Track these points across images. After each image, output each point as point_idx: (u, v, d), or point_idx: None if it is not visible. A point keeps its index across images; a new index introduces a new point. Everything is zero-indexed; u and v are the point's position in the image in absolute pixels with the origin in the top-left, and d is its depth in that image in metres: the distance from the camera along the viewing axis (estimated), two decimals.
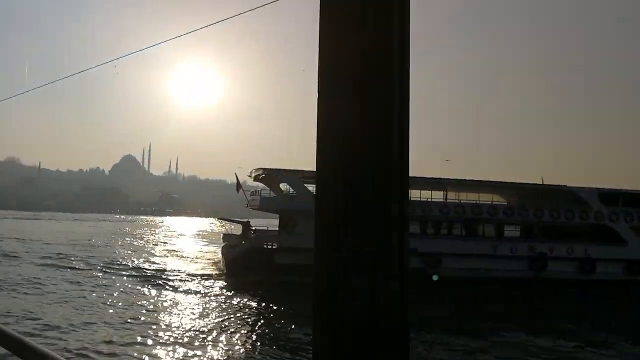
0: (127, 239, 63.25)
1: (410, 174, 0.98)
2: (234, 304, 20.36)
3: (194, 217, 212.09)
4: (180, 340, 14.55)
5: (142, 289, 22.41)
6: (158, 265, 31.64)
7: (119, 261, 33.40)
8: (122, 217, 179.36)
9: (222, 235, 33.46)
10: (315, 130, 1.01)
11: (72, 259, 33.44)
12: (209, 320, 17.32)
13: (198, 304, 20.03)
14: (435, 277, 26.08)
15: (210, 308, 19.52)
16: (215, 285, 24.65)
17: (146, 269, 28.96)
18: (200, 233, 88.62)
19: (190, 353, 13.58)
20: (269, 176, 31.31)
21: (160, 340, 14.35)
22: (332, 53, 0.98)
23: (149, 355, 13.10)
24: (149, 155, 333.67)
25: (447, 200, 31.18)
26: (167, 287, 23.17)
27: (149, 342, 14.17)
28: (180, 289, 22.76)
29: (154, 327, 15.84)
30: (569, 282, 28.46)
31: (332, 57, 0.98)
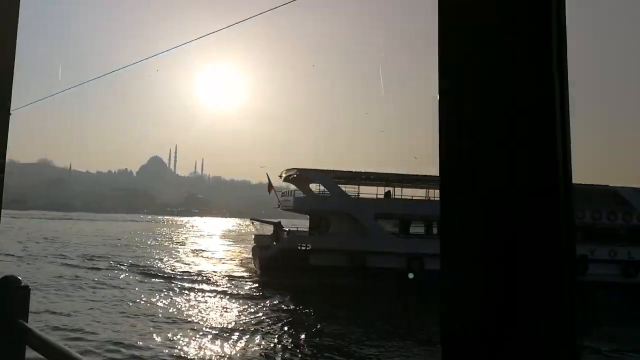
0: (157, 239, 64.03)
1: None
2: (272, 306, 20.09)
3: (219, 218, 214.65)
4: (223, 342, 14.43)
5: (180, 291, 22.34)
6: (191, 266, 31.68)
7: (153, 262, 33.62)
8: (150, 217, 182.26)
9: (253, 235, 33.29)
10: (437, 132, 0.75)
11: (109, 260, 33.85)
12: (249, 322, 17.08)
13: (237, 306, 19.84)
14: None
15: (249, 310, 19.29)
16: (250, 286, 24.45)
17: (181, 271, 28.94)
18: (227, 233, 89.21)
19: (234, 353, 13.47)
20: (301, 176, 31.05)
21: (205, 342, 14.26)
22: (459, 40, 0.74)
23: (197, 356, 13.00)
24: (175, 156, 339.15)
25: None
26: (205, 289, 23.02)
27: (198, 343, 14.09)
28: (217, 291, 22.60)
29: (200, 329, 15.75)
30: (611, 285, 27.36)
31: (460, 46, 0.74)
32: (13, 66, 1.99)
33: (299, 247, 25.94)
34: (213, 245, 56.19)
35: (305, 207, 28.96)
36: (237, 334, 15.47)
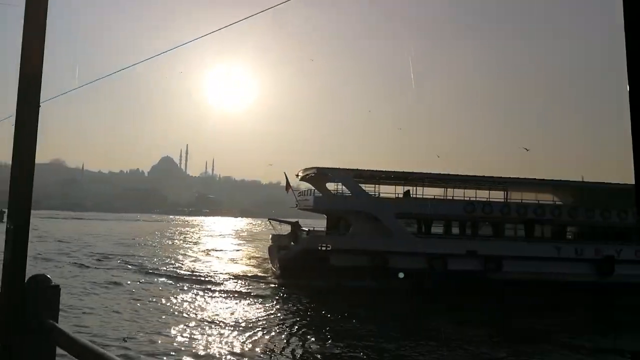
0: (172, 239, 63.97)
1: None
2: (294, 308, 19.71)
3: (230, 217, 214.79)
4: (245, 341, 14.17)
5: (202, 292, 21.98)
6: (209, 267, 31.33)
7: (171, 262, 33.35)
8: (162, 217, 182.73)
9: (270, 235, 32.92)
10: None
11: (129, 259, 33.67)
12: (271, 323, 16.69)
13: (259, 307, 19.45)
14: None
15: (271, 311, 18.92)
16: (270, 287, 24.07)
17: (200, 271, 28.54)
18: (239, 233, 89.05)
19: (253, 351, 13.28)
20: (319, 175, 30.61)
21: (228, 341, 13.99)
22: None
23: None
24: (186, 156, 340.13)
25: (509, 200, 29.68)
26: (225, 289, 22.66)
27: (221, 342, 13.81)
28: (238, 292, 22.23)
29: (224, 328, 15.44)
30: (638, 287, 26.57)
31: None
32: (42, 61, 1.96)
33: (320, 248, 25.45)
34: (227, 245, 56.01)
35: (326, 206, 28.51)
36: (259, 333, 15.34)
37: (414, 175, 28.87)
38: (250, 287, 24.07)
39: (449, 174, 28.97)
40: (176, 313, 17.62)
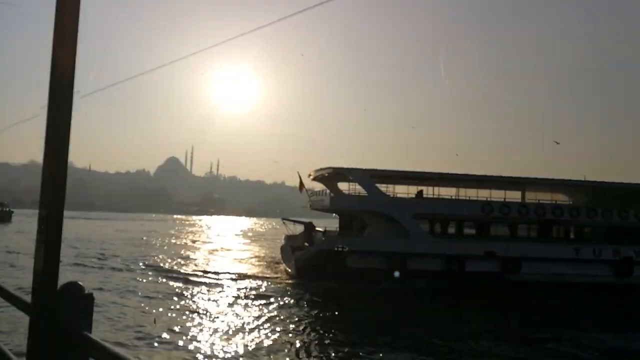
0: (180, 239, 63.89)
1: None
2: (312, 310, 19.45)
3: (235, 217, 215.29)
4: (264, 342, 14.01)
5: (219, 293, 21.80)
6: (223, 268, 31.07)
7: (184, 263, 33.20)
8: (168, 216, 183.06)
9: (284, 236, 32.70)
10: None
11: (140, 260, 33.53)
12: (289, 325, 16.49)
13: (279, 309, 19.20)
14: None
15: (292, 313, 18.69)
16: (287, 288, 23.78)
17: (214, 272, 28.25)
18: (246, 233, 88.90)
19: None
20: (331, 175, 30.37)
21: (247, 342, 13.83)
22: None
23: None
24: (192, 157, 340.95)
25: (526, 201, 29.28)
26: (242, 291, 22.39)
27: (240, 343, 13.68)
28: (255, 293, 21.98)
29: (244, 329, 15.23)
30: None
31: None
32: (75, 60, 1.94)
33: (336, 249, 25.18)
34: (237, 245, 55.87)
35: (342, 206, 28.19)
36: (277, 334, 15.23)
37: (431, 175, 28.54)
38: (267, 288, 23.82)
39: (466, 174, 28.64)
40: (197, 313, 17.42)
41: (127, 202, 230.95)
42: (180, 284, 23.60)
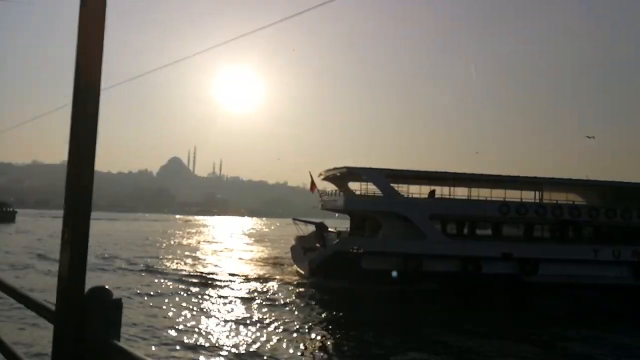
0: (187, 239, 63.47)
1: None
2: (329, 311, 18.99)
3: (238, 217, 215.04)
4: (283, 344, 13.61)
5: (233, 296, 21.28)
6: (234, 269, 30.49)
7: (194, 265, 32.68)
8: (171, 216, 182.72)
9: (295, 236, 32.14)
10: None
11: (154, 263, 33.04)
12: (307, 327, 16.06)
13: (294, 311, 18.74)
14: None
15: (308, 315, 18.23)
16: (301, 290, 23.24)
17: (225, 274, 27.70)
18: (251, 233, 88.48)
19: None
20: (343, 175, 29.84)
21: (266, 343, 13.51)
22: None
23: None
24: (194, 157, 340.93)
25: (543, 201, 28.70)
26: (258, 295, 21.81)
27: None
28: (270, 296, 21.48)
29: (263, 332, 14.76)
30: None
31: None
32: (101, 66, 1.91)
33: (352, 250, 24.63)
34: (243, 245, 55.49)
35: (357, 207, 27.54)
36: (293, 335, 15.01)
37: (446, 175, 27.97)
38: (282, 289, 23.34)
39: (482, 174, 28.09)
40: (217, 317, 16.97)
41: (130, 203, 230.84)
42: (195, 287, 23.07)
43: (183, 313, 17.40)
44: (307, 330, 16.05)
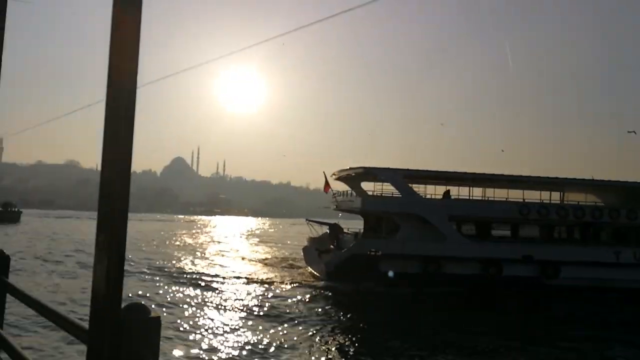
0: (194, 239, 63.03)
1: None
2: (349, 315, 18.48)
3: (241, 217, 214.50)
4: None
5: (254, 301, 20.69)
6: (247, 271, 29.98)
7: (206, 267, 32.13)
8: (175, 216, 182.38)
9: (308, 237, 31.62)
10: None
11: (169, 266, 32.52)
12: (328, 331, 15.55)
13: (313, 315, 18.21)
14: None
15: (328, 319, 17.69)
16: (318, 293, 22.68)
17: (241, 277, 27.05)
18: (256, 233, 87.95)
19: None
20: (356, 175, 29.35)
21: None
22: None
23: None
24: (198, 157, 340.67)
25: (565, 202, 28.09)
26: (272, 295, 21.37)
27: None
28: (288, 300, 20.92)
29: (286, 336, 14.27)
30: None
31: None
32: (137, 71, 1.79)
33: (370, 253, 24.07)
34: (251, 245, 54.96)
35: (375, 208, 26.92)
36: (316, 339, 14.61)
37: (465, 176, 27.41)
38: (296, 292, 22.77)
39: (502, 174, 27.49)
40: (241, 323, 16.43)
41: (133, 202, 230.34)
42: (209, 291, 22.47)
43: (200, 318, 16.88)
44: (331, 335, 15.60)
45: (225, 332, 15.23)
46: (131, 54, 1.81)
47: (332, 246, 28.55)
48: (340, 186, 32.04)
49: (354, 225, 33.13)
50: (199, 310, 18.09)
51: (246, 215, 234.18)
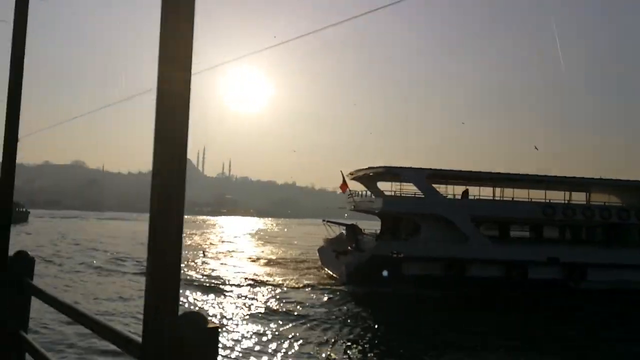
0: (205, 240, 62.61)
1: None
2: (373, 319, 17.90)
3: (247, 217, 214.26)
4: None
5: (274, 302, 20.19)
6: (263, 273, 29.43)
7: (218, 269, 31.61)
8: (185, 216, 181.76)
9: (324, 238, 31.01)
10: None
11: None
12: (362, 337, 14.98)
13: (336, 318, 17.64)
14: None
15: (352, 322, 17.10)
16: (339, 296, 22.08)
17: (252, 278, 26.50)
18: (263, 233, 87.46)
19: None
20: (373, 175, 28.73)
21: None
22: None
23: None
24: (203, 157, 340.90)
25: (591, 203, 27.36)
26: (298, 302, 20.68)
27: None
28: (307, 301, 20.39)
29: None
30: None
31: None
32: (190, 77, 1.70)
33: (391, 255, 23.43)
34: (261, 246, 54.42)
35: (397, 208, 26.22)
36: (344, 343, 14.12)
37: (488, 175, 26.76)
38: (317, 295, 22.21)
39: (527, 174, 26.80)
40: (255, 324, 15.87)
41: (140, 202, 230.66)
42: (226, 295, 21.94)
43: (225, 322, 16.33)
44: (359, 339, 15.00)
45: (248, 336, 14.68)
46: (185, 45, 1.65)
47: (349, 247, 27.93)
48: (353, 186, 31.44)
49: (367, 226, 32.53)
50: (220, 314, 17.54)
51: (252, 215, 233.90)
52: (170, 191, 1.61)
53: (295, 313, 18.19)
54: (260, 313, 18.13)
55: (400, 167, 25.81)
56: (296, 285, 24.41)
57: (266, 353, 13.16)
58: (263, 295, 21.64)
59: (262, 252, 45.73)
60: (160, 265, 1.56)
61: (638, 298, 23.14)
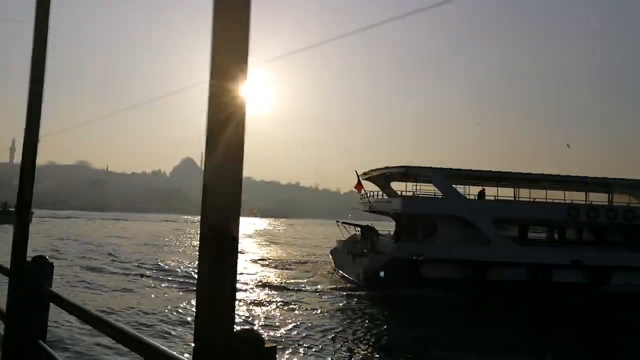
0: None
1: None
2: (398, 324, 17.32)
3: (251, 217, 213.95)
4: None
5: (294, 306, 19.63)
6: (278, 276, 28.89)
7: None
8: (186, 217, 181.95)
9: (338, 240, 30.41)
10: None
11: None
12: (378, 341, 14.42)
13: (357, 324, 17.08)
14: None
15: (376, 329, 16.54)
16: (358, 299, 21.47)
17: (264, 281, 25.93)
18: (269, 234, 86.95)
19: None
20: (387, 175, 28.13)
21: None
22: None
23: None
24: None
25: (613, 204, 26.66)
26: (321, 306, 20.14)
27: None
28: (326, 304, 19.81)
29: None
30: None
31: None
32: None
33: (411, 258, 22.82)
34: (270, 247, 53.91)
35: (416, 209, 25.57)
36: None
37: (511, 175, 26.11)
38: (336, 298, 21.62)
39: (550, 174, 26.17)
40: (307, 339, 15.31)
41: (145, 203, 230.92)
42: (245, 299, 21.41)
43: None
44: (380, 343, 14.46)
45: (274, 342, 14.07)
46: (241, 40, 1.56)
47: (365, 250, 27.31)
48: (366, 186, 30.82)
49: (378, 227, 31.92)
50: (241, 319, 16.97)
51: (256, 215, 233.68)
52: (225, 204, 1.48)
53: (314, 322, 17.59)
54: (276, 322, 17.54)
55: (420, 167, 25.19)
56: (311, 289, 23.81)
57: None
58: (278, 301, 21.05)
59: (274, 253, 45.17)
60: (215, 276, 1.44)
61: None
